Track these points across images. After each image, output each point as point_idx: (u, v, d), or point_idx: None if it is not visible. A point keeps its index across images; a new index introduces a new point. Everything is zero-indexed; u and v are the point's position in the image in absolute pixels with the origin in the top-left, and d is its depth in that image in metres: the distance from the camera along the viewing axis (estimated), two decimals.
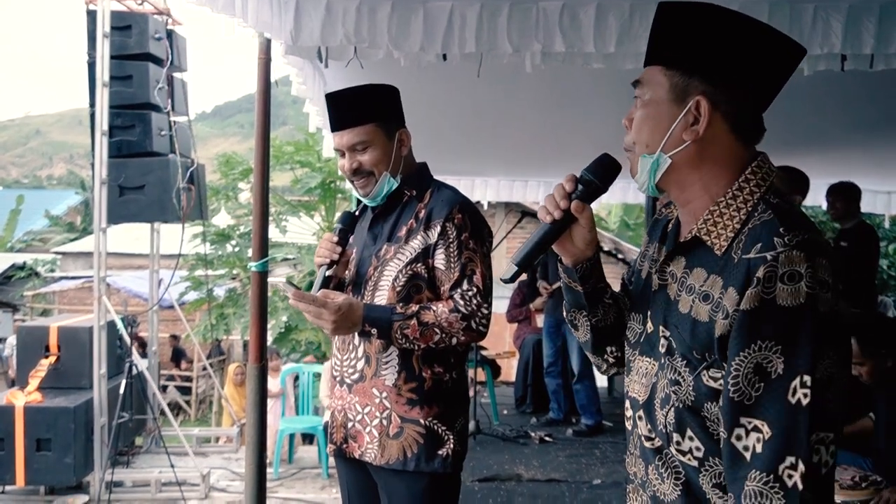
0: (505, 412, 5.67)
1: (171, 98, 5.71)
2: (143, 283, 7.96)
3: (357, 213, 2.10)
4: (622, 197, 7.73)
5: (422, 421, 1.89)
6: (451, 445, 1.91)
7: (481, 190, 7.34)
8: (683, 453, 1.11)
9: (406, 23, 2.92)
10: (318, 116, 4.46)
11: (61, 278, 17.41)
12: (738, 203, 1.09)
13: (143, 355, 7.10)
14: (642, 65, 1.17)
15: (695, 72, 1.09)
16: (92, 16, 5.30)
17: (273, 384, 6.22)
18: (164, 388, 11.67)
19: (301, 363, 8.33)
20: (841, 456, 2.95)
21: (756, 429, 1.00)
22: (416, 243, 1.91)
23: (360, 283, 1.97)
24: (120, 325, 5.35)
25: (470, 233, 1.90)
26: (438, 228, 1.89)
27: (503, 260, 5.99)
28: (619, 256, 11.97)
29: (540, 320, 5.66)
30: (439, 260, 1.89)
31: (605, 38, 2.87)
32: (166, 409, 6.11)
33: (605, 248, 11.51)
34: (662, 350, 1.15)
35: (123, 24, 5.36)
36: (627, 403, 1.25)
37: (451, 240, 1.88)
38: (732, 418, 1.02)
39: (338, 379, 2.01)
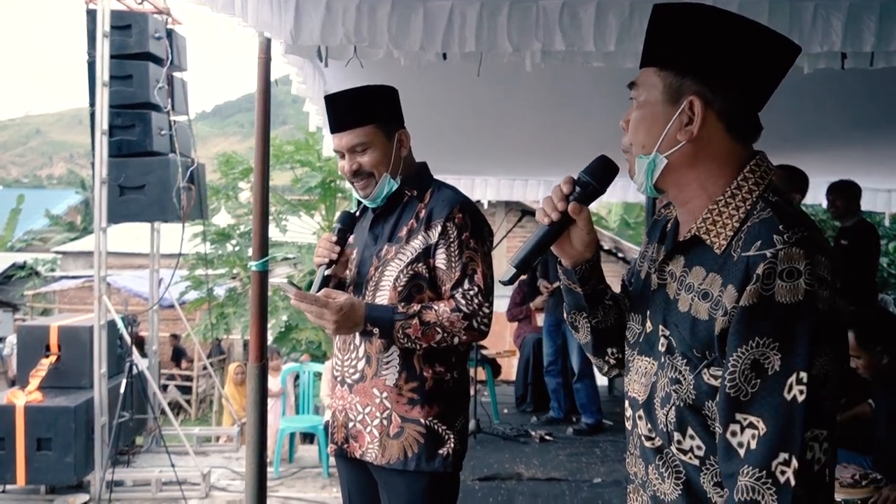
0: (505, 411, 5.67)
1: (171, 97, 5.71)
2: (144, 282, 7.96)
3: (357, 213, 2.10)
4: (622, 196, 7.73)
5: (422, 420, 1.89)
6: (452, 445, 1.91)
7: (481, 189, 7.34)
8: (684, 452, 1.12)
9: (406, 22, 2.92)
10: (317, 116, 4.46)
11: (61, 278, 17.41)
12: (737, 201, 1.09)
13: (143, 355, 7.11)
14: None
15: (688, 72, 1.09)
16: (92, 15, 5.30)
17: (273, 383, 6.22)
18: (164, 388, 11.67)
19: (298, 362, 8.34)
20: (841, 454, 2.97)
21: (751, 425, 1.00)
22: (417, 243, 1.91)
23: (361, 283, 1.97)
24: (120, 324, 5.35)
25: (471, 232, 1.90)
26: (439, 228, 1.89)
27: (503, 259, 5.99)
28: (620, 255, 11.97)
29: (540, 319, 5.66)
30: (440, 260, 1.89)
31: (605, 36, 2.87)
32: (167, 409, 6.11)
33: (605, 247, 11.51)
34: (662, 349, 1.15)
35: (123, 24, 5.36)
36: (627, 403, 1.25)
37: (451, 239, 1.88)
38: (728, 414, 1.02)
39: (339, 379, 2.02)
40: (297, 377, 6.82)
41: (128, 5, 5.49)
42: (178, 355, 14.70)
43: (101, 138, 5.11)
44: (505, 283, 1.27)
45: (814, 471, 0.98)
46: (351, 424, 1.97)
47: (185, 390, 14.08)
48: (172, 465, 5.11)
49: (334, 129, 1.97)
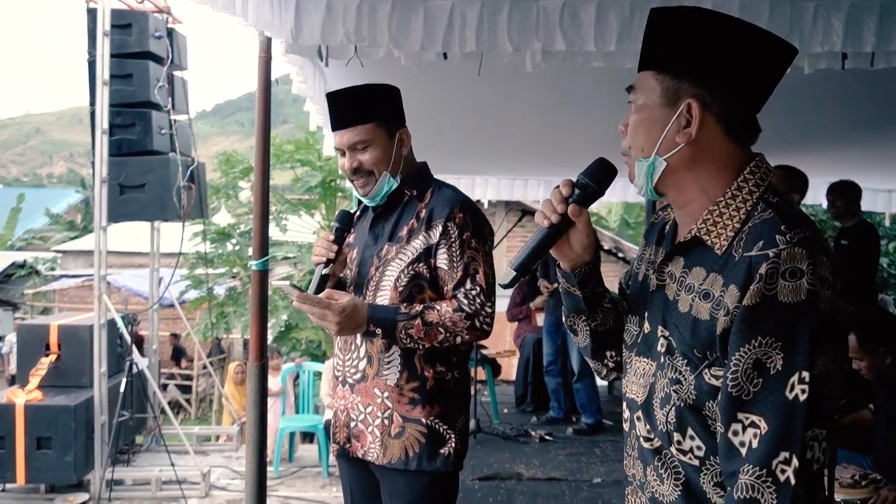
0: (505, 411, 5.68)
1: (171, 96, 5.70)
2: (144, 281, 7.95)
3: (356, 212, 2.10)
4: (622, 196, 7.74)
5: (424, 420, 1.89)
6: (453, 444, 1.92)
7: (482, 189, 7.34)
8: (684, 453, 1.12)
9: (406, 21, 2.92)
10: (318, 115, 4.46)
11: (62, 276, 17.40)
12: (738, 203, 1.09)
13: (143, 354, 7.10)
14: None
15: (685, 75, 1.10)
16: (92, 14, 5.30)
17: (273, 383, 6.22)
18: (164, 387, 11.69)
19: (294, 363, 8.33)
20: (841, 454, 2.97)
21: (753, 424, 1.01)
22: (418, 243, 1.91)
23: (361, 283, 1.97)
24: (120, 323, 5.35)
25: (472, 232, 1.90)
26: (440, 228, 1.89)
27: (503, 259, 6.00)
28: (620, 255, 11.97)
29: (540, 319, 5.67)
30: (442, 260, 1.89)
31: (606, 36, 2.87)
32: (166, 408, 6.11)
33: (606, 247, 11.51)
34: (661, 350, 1.15)
35: (124, 23, 5.36)
36: (625, 405, 1.25)
37: (452, 239, 1.88)
38: (730, 413, 1.03)
39: (340, 379, 2.02)
40: (296, 377, 6.82)
41: (128, 4, 5.49)
42: (178, 354, 14.70)
43: (101, 137, 5.10)
44: (505, 287, 1.27)
45: (813, 470, 0.99)
46: (353, 424, 1.97)
47: (185, 389, 14.09)
48: (172, 465, 5.11)
49: (335, 126, 1.97)
